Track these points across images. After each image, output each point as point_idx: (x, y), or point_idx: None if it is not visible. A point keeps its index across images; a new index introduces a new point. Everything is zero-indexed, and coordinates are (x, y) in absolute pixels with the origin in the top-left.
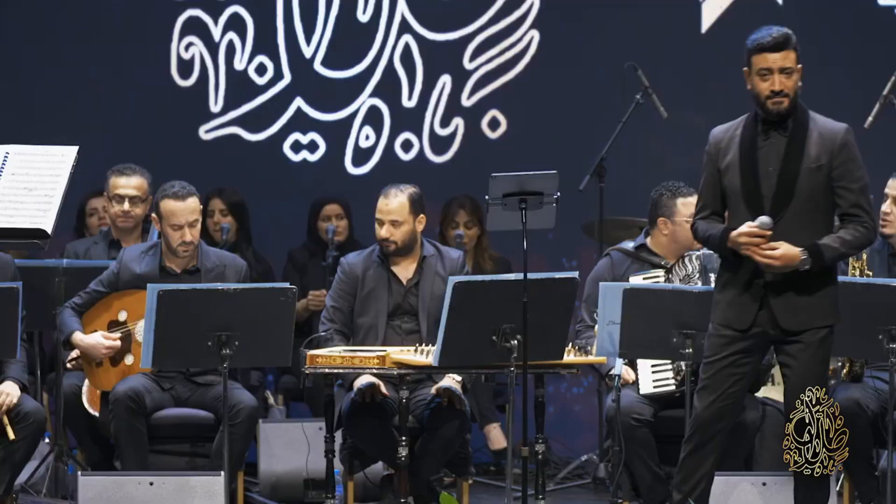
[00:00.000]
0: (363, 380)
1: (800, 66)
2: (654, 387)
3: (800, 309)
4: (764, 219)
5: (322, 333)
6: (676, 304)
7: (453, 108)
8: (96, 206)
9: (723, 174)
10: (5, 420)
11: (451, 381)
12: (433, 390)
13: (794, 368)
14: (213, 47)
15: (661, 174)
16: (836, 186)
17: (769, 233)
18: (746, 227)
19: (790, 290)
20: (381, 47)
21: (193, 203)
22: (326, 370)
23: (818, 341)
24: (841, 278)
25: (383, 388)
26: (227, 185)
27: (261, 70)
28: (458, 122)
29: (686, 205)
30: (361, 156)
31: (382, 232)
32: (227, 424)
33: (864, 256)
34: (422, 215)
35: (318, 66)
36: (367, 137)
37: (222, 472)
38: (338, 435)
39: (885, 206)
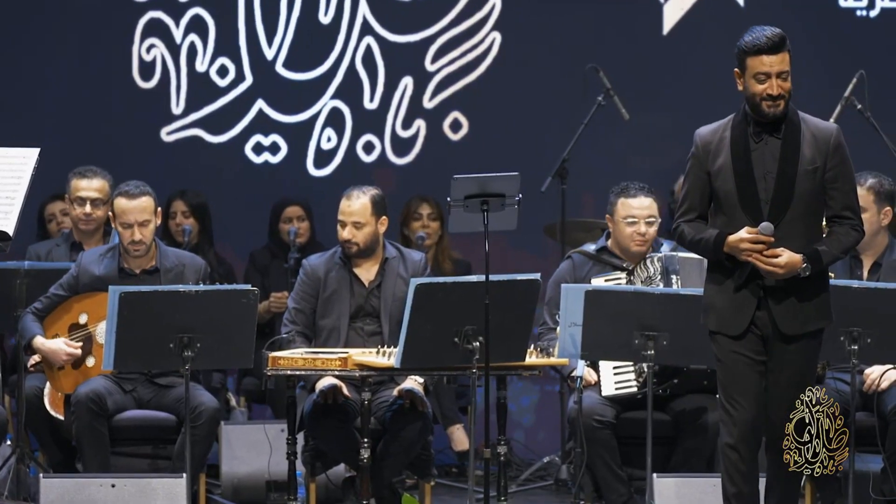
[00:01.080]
0: (325, 381)
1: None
2: (616, 388)
3: (798, 311)
4: (766, 225)
5: (284, 335)
6: (638, 306)
7: (415, 109)
8: (54, 212)
9: (713, 177)
10: None
11: (413, 382)
12: (395, 392)
13: (783, 372)
14: (174, 49)
15: (623, 176)
16: (829, 188)
17: (771, 239)
18: (746, 232)
19: (788, 293)
20: (342, 49)
21: (145, 202)
22: (288, 372)
23: (807, 349)
24: None
25: (345, 390)
26: (188, 187)
27: (222, 72)
28: (419, 124)
29: (624, 205)
30: (323, 158)
31: (344, 233)
32: (189, 426)
33: None
34: (384, 217)
35: (279, 68)
36: (329, 139)
37: (184, 474)
38: (300, 437)
39: None
